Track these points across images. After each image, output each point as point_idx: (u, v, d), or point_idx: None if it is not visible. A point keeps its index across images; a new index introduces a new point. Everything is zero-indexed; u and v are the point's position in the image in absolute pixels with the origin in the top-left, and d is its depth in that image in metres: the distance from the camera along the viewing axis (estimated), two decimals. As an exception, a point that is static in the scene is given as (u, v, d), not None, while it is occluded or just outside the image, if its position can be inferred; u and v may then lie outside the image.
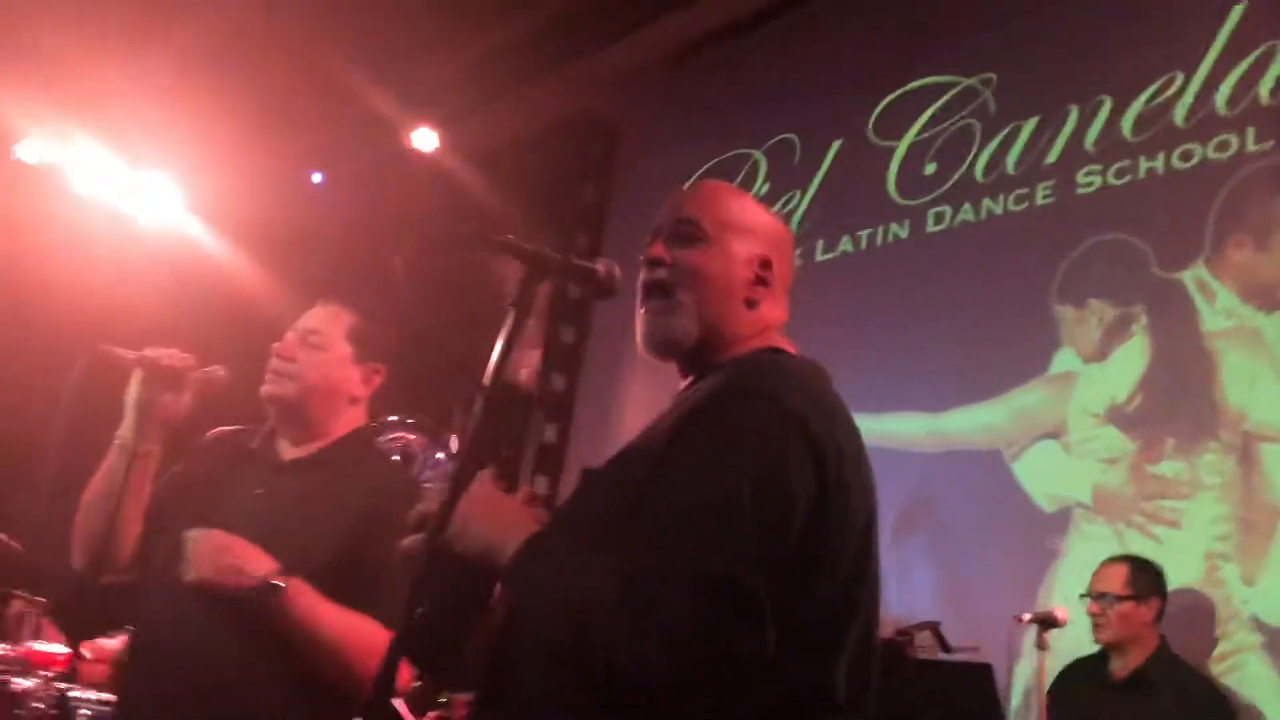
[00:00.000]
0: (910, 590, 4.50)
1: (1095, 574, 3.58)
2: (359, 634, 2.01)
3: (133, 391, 2.22)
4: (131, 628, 2.40)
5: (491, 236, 1.52)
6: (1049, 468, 4.35)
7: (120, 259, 5.99)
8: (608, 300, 1.62)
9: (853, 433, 1.49)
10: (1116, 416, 4.20)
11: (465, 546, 1.40)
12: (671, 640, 1.25)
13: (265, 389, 2.26)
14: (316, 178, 6.38)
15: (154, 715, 2.12)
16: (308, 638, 2.03)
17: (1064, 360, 4.44)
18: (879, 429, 4.91)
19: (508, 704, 1.44)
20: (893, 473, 4.80)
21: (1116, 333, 4.31)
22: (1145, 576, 3.52)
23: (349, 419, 2.32)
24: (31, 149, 6.56)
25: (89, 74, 5.74)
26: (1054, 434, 4.38)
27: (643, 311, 1.61)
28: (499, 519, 1.42)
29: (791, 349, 1.62)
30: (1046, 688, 3.54)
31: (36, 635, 3.67)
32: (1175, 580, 3.64)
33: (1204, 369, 4.03)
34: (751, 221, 1.66)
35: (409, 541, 1.44)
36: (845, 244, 5.39)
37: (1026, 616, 3.26)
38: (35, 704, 3.49)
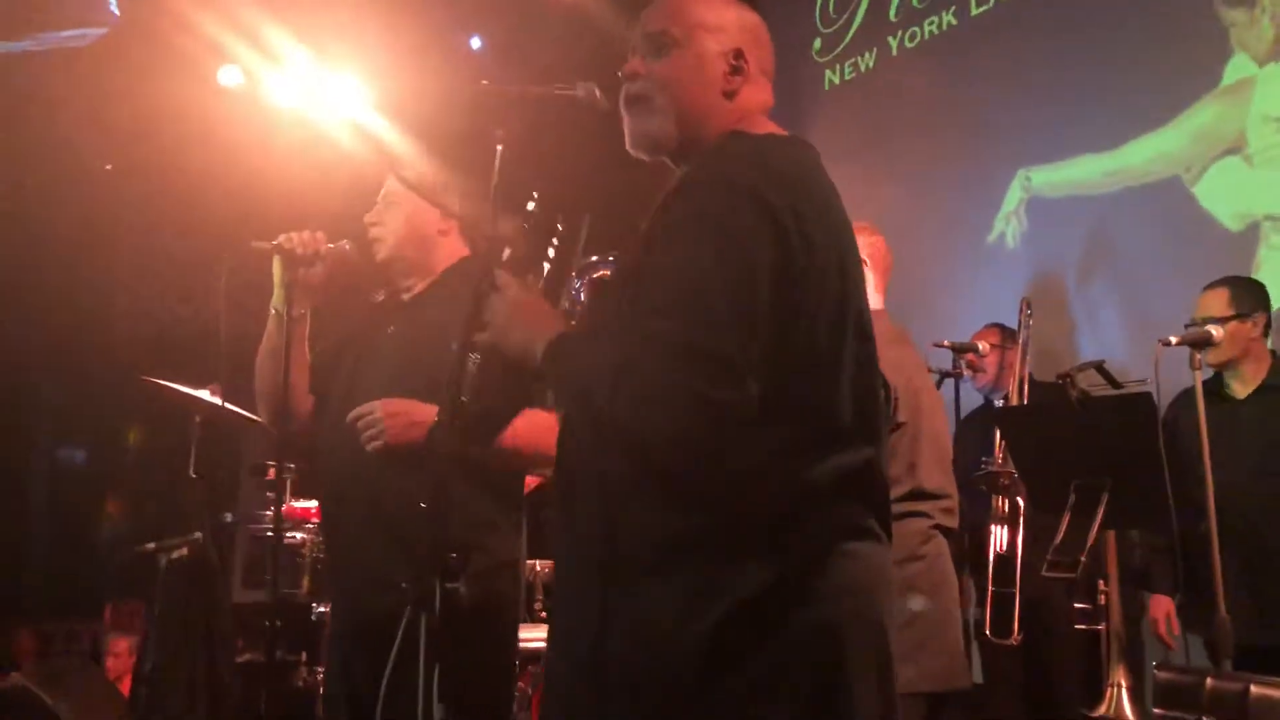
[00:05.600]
0: (1097, 332, 4.44)
1: (1199, 302, 3.43)
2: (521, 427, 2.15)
3: (276, 272, 2.58)
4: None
5: (482, 88, 1.70)
6: (1232, 185, 4.14)
7: (306, 159, 6.39)
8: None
9: (816, 191, 1.58)
10: (1299, 116, 3.93)
11: (505, 348, 1.62)
12: (658, 401, 1.43)
13: (375, 252, 2.58)
14: (475, 43, 6.53)
15: (353, 555, 2.46)
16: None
17: (1237, 67, 4.16)
18: (1057, 178, 4.78)
19: (573, 494, 1.63)
20: (1074, 220, 4.68)
21: (1291, 25, 3.99)
22: (1247, 294, 3.39)
23: (447, 252, 2.61)
24: (231, 74, 7.08)
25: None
26: (1234, 148, 4.14)
27: (626, 119, 1.73)
28: (533, 323, 1.60)
29: (769, 127, 1.70)
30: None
31: (295, 495, 4.25)
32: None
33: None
34: (719, 19, 1.73)
35: (458, 349, 1.67)
36: (996, -8, 5.14)
37: (1174, 339, 3.13)
38: (305, 551, 4.10)
